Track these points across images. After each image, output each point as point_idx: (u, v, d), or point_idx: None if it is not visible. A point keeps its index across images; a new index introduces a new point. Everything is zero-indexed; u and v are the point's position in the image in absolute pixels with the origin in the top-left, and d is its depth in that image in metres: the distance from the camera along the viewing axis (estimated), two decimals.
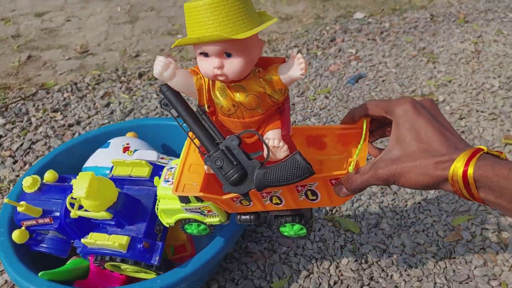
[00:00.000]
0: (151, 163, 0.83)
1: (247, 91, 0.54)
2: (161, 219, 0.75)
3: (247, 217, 0.71)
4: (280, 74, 0.54)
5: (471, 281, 0.97)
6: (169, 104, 0.55)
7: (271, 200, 0.64)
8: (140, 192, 0.84)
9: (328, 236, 1.10)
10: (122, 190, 0.83)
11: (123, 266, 0.81)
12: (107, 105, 1.71)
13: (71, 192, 0.75)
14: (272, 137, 0.57)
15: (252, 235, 1.12)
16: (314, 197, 0.64)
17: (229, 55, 0.50)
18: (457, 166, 0.45)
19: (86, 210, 0.76)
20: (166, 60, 0.52)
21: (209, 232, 0.77)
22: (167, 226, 0.76)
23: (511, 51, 1.79)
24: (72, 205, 0.78)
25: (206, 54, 0.51)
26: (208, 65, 0.52)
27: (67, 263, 0.88)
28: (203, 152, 0.56)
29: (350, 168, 0.55)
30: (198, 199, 0.67)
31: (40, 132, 1.56)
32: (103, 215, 0.76)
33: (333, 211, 1.17)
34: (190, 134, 0.57)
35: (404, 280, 0.99)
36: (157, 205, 0.73)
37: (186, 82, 0.54)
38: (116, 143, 1.06)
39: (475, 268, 0.99)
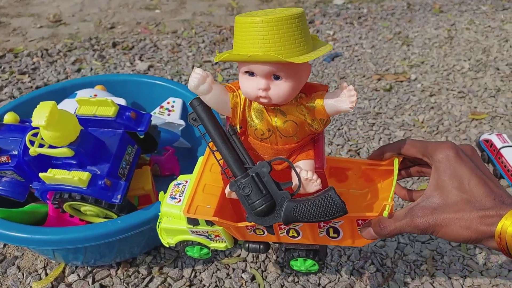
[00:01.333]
0: (118, 103, 0.81)
1: (286, 117, 0.50)
2: (160, 238, 0.71)
3: (257, 246, 0.67)
4: (325, 104, 0.49)
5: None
6: (197, 119, 0.51)
7: (287, 232, 0.61)
8: (105, 134, 0.81)
9: None
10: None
11: (84, 207, 0.78)
12: (78, 70, 1.66)
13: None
14: (304, 167, 0.53)
15: None
16: (336, 235, 0.60)
17: (277, 78, 0.47)
18: (506, 224, 0.42)
19: (47, 148, 0.73)
20: (203, 73, 0.48)
21: (210, 257, 0.74)
22: (167, 245, 0.72)
23: (481, 38, 1.85)
24: (32, 142, 0.75)
25: (252, 74, 0.47)
26: (252, 85, 0.48)
27: (25, 207, 0.85)
28: (228, 176, 0.52)
29: (385, 213, 0.52)
30: (208, 222, 0.63)
31: (5, 93, 1.50)
32: (63, 151, 0.73)
33: None
34: (217, 154, 0.52)
35: None
36: (159, 222, 0.69)
37: (221, 98, 0.50)
38: (83, 94, 1.03)
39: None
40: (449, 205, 0.47)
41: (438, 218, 0.46)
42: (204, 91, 0.49)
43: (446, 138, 1.28)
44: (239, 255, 0.97)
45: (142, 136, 0.92)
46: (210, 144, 0.52)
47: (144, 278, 0.92)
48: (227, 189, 0.53)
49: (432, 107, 1.41)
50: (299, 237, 0.62)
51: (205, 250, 0.72)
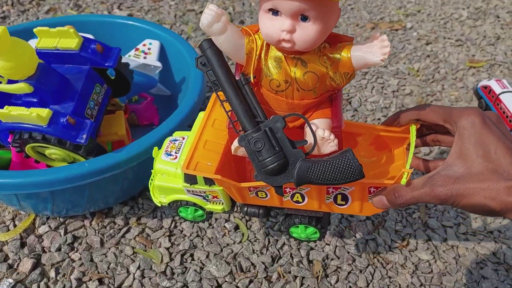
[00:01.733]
0: (82, 35, 0.73)
1: (307, 68, 0.46)
2: (152, 196, 0.67)
3: (256, 210, 0.64)
4: (352, 55, 0.45)
5: None
6: (207, 64, 0.45)
7: (292, 197, 0.57)
8: (69, 70, 0.73)
9: None
10: None
11: (48, 150, 0.72)
12: None
13: None
14: (321, 126, 0.48)
15: None
16: (343, 202, 0.57)
17: (305, 19, 0.41)
18: None
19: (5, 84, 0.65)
20: (218, 10, 0.42)
21: (204, 219, 0.69)
22: (159, 205, 0.68)
23: None
24: None
25: (276, 12, 0.42)
26: (275, 26, 0.42)
27: None
28: (238, 130, 0.47)
29: (403, 180, 0.47)
30: (207, 181, 0.59)
31: None
32: (21, 86, 0.66)
33: None
34: (226, 105, 0.47)
35: None
36: (151, 179, 0.65)
37: (235, 42, 0.44)
38: None
39: None
40: (473, 174, 0.44)
41: (461, 187, 0.43)
42: (217, 31, 0.43)
43: (442, 86, 1.22)
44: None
45: (113, 78, 0.84)
46: (219, 93, 0.47)
47: (120, 229, 0.86)
48: (235, 144, 0.48)
49: (428, 56, 1.33)
50: (304, 203, 0.58)
51: (200, 212, 0.68)
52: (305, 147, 0.47)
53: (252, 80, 0.46)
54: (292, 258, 0.81)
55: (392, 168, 0.61)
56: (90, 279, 0.78)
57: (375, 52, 0.43)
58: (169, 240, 0.85)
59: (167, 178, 0.63)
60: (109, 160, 0.69)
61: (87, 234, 0.85)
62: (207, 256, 0.82)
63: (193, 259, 0.82)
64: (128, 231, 0.86)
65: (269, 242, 0.84)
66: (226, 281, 0.78)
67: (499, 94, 1.03)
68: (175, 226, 0.88)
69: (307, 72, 0.46)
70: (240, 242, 0.85)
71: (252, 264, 0.81)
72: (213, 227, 0.87)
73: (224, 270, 0.79)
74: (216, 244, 0.84)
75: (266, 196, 0.58)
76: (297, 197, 0.57)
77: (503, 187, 0.42)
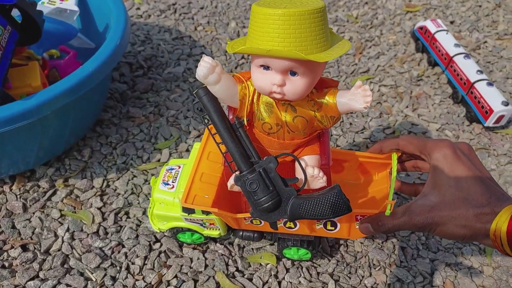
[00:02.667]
0: None
1: (297, 113, 0.49)
2: (151, 223, 0.68)
3: (251, 234, 0.68)
4: (338, 102, 0.48)
5: (366, 131, 0.93)
6: (203, 110, 0.48)
7: (284, 223, 0.60)
8: None
9: None
10: None
11: None
12: None
13: None
14: (309, 163, 0.52)
15: (135, 101, 0.97)
16: (332, 228, 0.61)
17: (293, 74, 0.44)
18: (501, 221, 0.42)
19: None
20: (213, 62, 0.45)
21: (203, 241, 0.71)
22: (158, 231, 0.70)
23: None
24: None
25: (267, 68, 0.45)
26: (266, 80, 0.45)
27: None
28: (233, 170, 0.50)
29: (388, 212, 0.51)
30: (204, 211, 0.62)
31: None
32: None
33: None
34: (222, 147, 0.49)
35: None
36: (150, 208, 0.67)
37: (229, 90, 0.47)
38: None
39: (371, 120, 0.95)
40: (446, 203, 0.47)
41: (435, 216, 0.46)
42: (213, 81, 0.45)
43: (380, 31, 1.21)
44: (158, 160, 0.86)
45: (20, 22, 0.74)
46: (215, 136, 0.49)
47: (45, 192, 0.79)
48: (231, 182, 0.51)
49: (367, 2, 1.32)
50: (296, 229, 0.62)
51: (197, 235, 0.70)
52: (296, 183, 0.49)
53: (245, 123, 0.48)
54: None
55: (376, 192, 0.65)
56: (12, 247, 0.71)
57: (358, 100, 0.46)
58: (101, 200, 0.78)
59: (165, 207, 0.66)
60: (16, 108, 0.61)
61: (7, 200, 0.77)
62: (144, 213, 0.77)
63: (128, 217, 0.77)
64: (54, 193, 0.79)
65: None
66: (165, 235, 0.74)
67: (434, 33, 1.04)
68: (108, 185, 0.81)
69: (296, 117, 0.48)
70: None
71: None
72: (149, 183, 0.82)
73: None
74: None
75: (261, 223, 0.61)
76: (289, 224, 0.60)
77: (471, 214, 0.44)
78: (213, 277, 0.69)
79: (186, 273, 0.69)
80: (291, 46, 0.41)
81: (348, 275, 0.70)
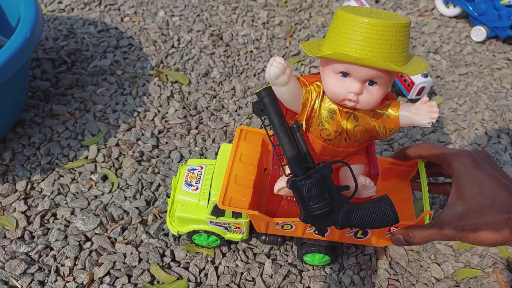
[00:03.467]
0: None
1: (359, 122, 0.49)
2: (169, 226, 0.66)
3: (275, 238, 0.67)
4: (401, 115, 0.48)
5: None
6: (264, 110, 0.46)
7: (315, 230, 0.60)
8: None
9: (153, 90, 0.97)
10: None
11: None
12: None
13: None
14: (358, 172, 0.52)
15: (59, 98, 0.93)
16: (362, 236, 0.62)
17: (372, 84, 0.45)
18: None
19: None
20: (285, 63, 0.44)
21: (218, 244, 0.69)
22: (176, 234, 0.67)
23: None
24: None
25: (345, 75, 0.44)
26: (343, 87, 0.45)
27: None
28: (286, 174, 0.48)
29: (427, 221, 0.54)
30: (234, 214, 0.62)
31: None
32: None
33: (160, 66, 1.03)
34: (277, 149, 0.48)
35: (234, 119, 0.92)
36: (172, 210, 0.66)
37: (295, 93, 0.47)
38: None
39: None
40: (473, 211, 0.47)
41: (465, 225, 0.47)
42: (283, 82, 0.45)
43: (309, 14, 1.22)
44: (86, 157, 0.82)
45: None
46: (272, 138, 0.49)
47: None
48: (279, 185, 0.51)
49: None
50: (326, 235, 0.60)
51: (214, 237, 0.67)
52: (347, 191, 0.49)
53: (303, 128, 0.48)
54: (168, 197, 0.77)
55: (398, 200, 0.65)
56: None
57: (423, 115, 0.46)
58: (25, 203, 0.74)
59: (188, 209, 0.64)
60: None
61: None
62: (72, 212, 0.74)
63: (56, 218, 0.73)
64: None
65: (142, 186, 0.78)
66: (96, 233, 0.71)
67: None
68: (32, 188, 0.77)
69: (357, 126, 0.49)
70: (110, 192, 0.77)
71: (125, 211, 0.75)
72: (77, 181, 0.78)
73: (93, 222, 0.72)
74: (82, 199, 0.76)
75: (292, 228, 0.61)
76: None
77: (500, 220, 0.45)
78: (148, 270, 0.67)
79: (119, 269, 0.67)
80: (380, 56, 0.41)
81: (285, 253, 0.71)
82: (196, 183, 0.65)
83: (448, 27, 1.19)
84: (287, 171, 0.48)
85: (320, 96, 0.49)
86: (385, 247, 0.73)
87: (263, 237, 0.68)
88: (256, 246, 0.71)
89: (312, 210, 0.47)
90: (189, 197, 0.64)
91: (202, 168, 0.67)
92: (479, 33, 1.13)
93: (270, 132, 0.48)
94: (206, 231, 0.66)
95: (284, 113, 0.53)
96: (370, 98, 0.46)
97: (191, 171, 0.67)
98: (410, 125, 0.49)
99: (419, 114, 0.47)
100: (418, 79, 0.90)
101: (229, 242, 0.71)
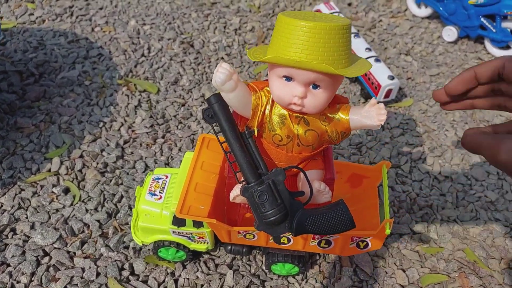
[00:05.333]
0: None
1: (309, 126, 0.48)
2: (133, 236, 0.64)
3: (240, 248, 0.66)
4: (351, 118, 0.47)
5: None
6: (214, 117, 0.46)
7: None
8: None
9: (121, 100, 0.96)
10: None
11: None
12: None
13: None
14: (314, 177, 0.51)
15: (25, 111, 0.92)
16: (326, 246, 0.61)
17: (315, 87, 0.44)
18: None
19: None
20: (231, 69, 0.44)
21: (185, 259, 0.68)
22: (140, 244, 0.65)
23: None
24: None
25: (289, 79, 0.44)
26: (287, 91, 0.45)
27: None
28: (240, 181, 0.48)
29: (387, 231, 0.54)
30: (195, 223, 0.61)
31: None
32: None
33: (129, 75, 1.02)
34: (230, 156, 0.48)
35: (202, 127, 0.91)
36: (134, 220, 0.64)
37: (244, 98, 0.46)
38: None
39: None
40: None
41: None
42: (229, 88, 0.44)
43: None
44: (49, 170, 0.81)
45: None
46: (224, 145, 0.48)
47: None
48: (234, 193, 0.50)
49: None
50: (289, 244, 0.61)
51: (181, 253, 0.66)
52: (302, 197, 0.48)
53: (255, 134, 0.48)
54: (130, 209, 0.75)
55: (366, 208, 0.65)
56: None
57: (372, 117, 0.46)
58: None
59: (151, 219, 0.63)
60: None
61: None
62: (32, 227, 0.73)
63: (15, 233, 0.72)
64: None
65: (104, 198, 0.77)
66: (55, 247, 0.70)
67: None
68: None
69: (308, 130, 0.48)
70: (72, 204, 0.76)
71: (86, 224, 0.74)
72: (38, 195, 0.77)
73: (52, 237, 0.71)
74: (43, 212, 0.74)
75: (254, 237, 0.60)
76: (283, 239, 0.59)
77: None
78: (105, 284, 0.66)
79: (76, 284, 0.65)
80: (320, 59, 0.40)
81: (248, 263, 0.70)
82: (160, 193, 0.64)
83: (420, 28, 1.19)
84: (240, 178, 0.47)
85: (271, 102, 0.48)
86: None
87: (228, 247, 0.67)
88: (219, 257, 0.70)
89: (265, 217, 0.46)
90: (152, 207, 0.63)
91: (167, 177, 0.66)
92: (450, 33, 1.12)
93: (222, 139, 0.47)
94: (166, 244, 0.65)
95: (237, 119, 0.53)
96: (315, 102, 0.45)
97: (156, 181, 0.66)
98: (361, 128, 0.48)
99: (368, 116, 0.47)
100: (384, 82, 0.89)
101: (193, 253, 0.69)
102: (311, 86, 0.44)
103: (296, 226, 0.47)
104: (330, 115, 0.48)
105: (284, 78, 0.44)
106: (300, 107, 0.46)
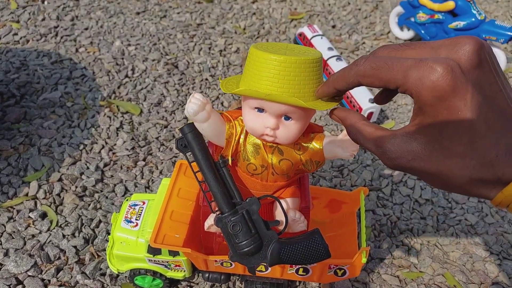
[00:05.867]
0: None
1: (283, 156, 0.48)
2: (109, 264, 0.63)
3: (218, 276, 0.66)
4: (325, 148, 0.48)
5: None
6: (187, 147, 0.45)
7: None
8: None
9: (102, 121, 0.95)
10: None
11: None
12: None
13: None
14: (290, 206, 0.51)
15: (4, 133, 0.91)
16: (304, 273, 0.60)
17: (287, 119, 0.44)
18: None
19: None
20: (203, 99, 0.44)
21: (163, 286, 0.67)
22: (116, 272, 0.64)
23: None
24: None
25: (261, 110, 0.44)
26: (260, 122, 0.45)
27: None
28: (214, 210, 0.48)
29: (364, 259, 0.55)
30: (171, 252, 0.59)
31: None
32: None
33: (112, 96, 1.02)
34: (203, 185, 0.47)
35: None
36: (110, 247, 0.62)
37: (217, 128, 0.47)
38: None
39: None
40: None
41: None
42: (202, 118, 0.45)
43: (266, 40, 1.23)
44: (26, 194, 0.80)
45: None
46: (198, 174, 0.47)
47: None
48: (209, 222, 0.50)
49: (254, 13, 1.34)
50: (267, 272, 0.60)
51: (157, 281, 0.65)
52: (277, 226, 0.48)
53: (230, 163, 0.47)
54: (108, 234, 0.74)
55: (344, 234, 0.65)
56: None
57: (345, 148, 0.47)
58: None
59: (126, 247, 0.61)
60: None
61: None
62: (6, 254, 0.71)
63: None
64: None
65: (82, 223, 0.76)
66: (29, 275, 0.68)
67: (311, 38, 1.07)
68: None
69: (282, 159, 0.48)
70: (48, 230, 0.75)
71: (62, 250, 0.72)
72: (14, 220, 0.76)
73: (26, 264, 0.69)
74: (18, 238, 0.73)
75: (231, 265, 0.59)
76: (261, 267, 0.59)
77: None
78: None
79: None
80: (290, 92, 0.41)
81: None
82: (136, 220, 0.63)
83: None
84: (215, 207, 0.47)
85: (245, 131, 0.48)
86: None
87: (206, 275, 0.66)
88: (197, 284, 0.69)
89: (239, 248, 0.45)
90: (127, 234, 0.62)
91: (144, 203, 0.65)
92: None
93: (196, 168, 0.47)
94: (147, 271, 0.64)
95: (213, 148, 0.53)
96: (287, 133, 0.45)
97: (132, 207, 0.65)
98: (334, 157, 0.48)
99: (341, 147, 0.47)
100: (366, 105, 0.90)
101: (170, 281, 0.68)
102: (283, 118, 0.44)
103: (270, 256, 0.46)
104: (304, 144, 0.49)
105: (256, 110, 0.45)
106: (273, 138, 0.46)
